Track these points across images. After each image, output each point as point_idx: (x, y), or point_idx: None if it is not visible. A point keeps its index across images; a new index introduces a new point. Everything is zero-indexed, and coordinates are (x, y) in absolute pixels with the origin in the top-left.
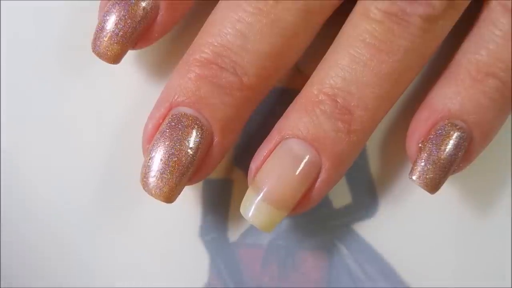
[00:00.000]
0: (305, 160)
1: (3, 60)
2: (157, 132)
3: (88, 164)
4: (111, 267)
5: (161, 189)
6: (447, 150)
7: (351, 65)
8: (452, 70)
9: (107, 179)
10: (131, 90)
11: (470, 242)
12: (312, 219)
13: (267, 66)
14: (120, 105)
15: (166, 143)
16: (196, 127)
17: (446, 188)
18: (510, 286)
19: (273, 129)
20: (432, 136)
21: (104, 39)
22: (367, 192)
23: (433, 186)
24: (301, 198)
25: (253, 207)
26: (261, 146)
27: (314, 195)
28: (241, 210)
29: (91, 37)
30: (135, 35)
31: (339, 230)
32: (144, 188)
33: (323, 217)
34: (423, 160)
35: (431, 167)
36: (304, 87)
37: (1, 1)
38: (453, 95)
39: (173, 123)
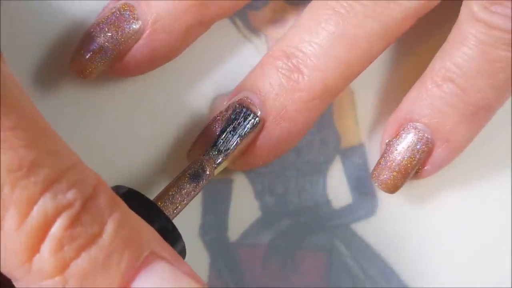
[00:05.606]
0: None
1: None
2: (105, 19)
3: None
4: None
5: (79, 66)
6: (403, 152)
7: (310, 25)
8: (423, 74)
9: (106, 179)
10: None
11: (470, 242)
12: (312, 219)
13: None
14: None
15: (106, 28)
16: (132, 20)
17: (446, 188)
18: (510, 286)
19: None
20: (393, 139)
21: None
22: (367, 192)
23: (389, 187)
24: (245, 155)
25: None
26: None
27: (257, 152)
28: None
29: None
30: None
31: (339, 230)
32: (70, 64)
33: (323, 217)
34: (382, 161)
35: (387, 168)
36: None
37: (1, 1)
38: (416, 98)
39: (117, 14)
